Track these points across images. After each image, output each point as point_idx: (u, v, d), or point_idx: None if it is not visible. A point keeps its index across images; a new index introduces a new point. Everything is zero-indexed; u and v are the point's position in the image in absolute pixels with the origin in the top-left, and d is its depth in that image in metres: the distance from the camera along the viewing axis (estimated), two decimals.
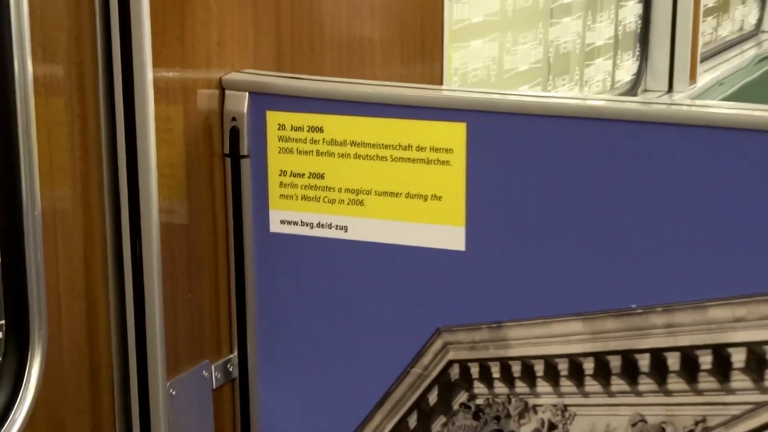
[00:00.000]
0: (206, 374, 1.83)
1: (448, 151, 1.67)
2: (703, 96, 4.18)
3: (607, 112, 1.63)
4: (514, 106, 1.65)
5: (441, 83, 2.41)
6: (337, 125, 1.73)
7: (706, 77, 4.31)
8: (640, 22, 4.05)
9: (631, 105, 1.65)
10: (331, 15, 2.03)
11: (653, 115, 1.60)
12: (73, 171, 1.61)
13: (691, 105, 1.70)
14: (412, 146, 1.69)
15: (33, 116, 1.49)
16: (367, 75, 2.12)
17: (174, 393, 1.75)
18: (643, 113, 1.61)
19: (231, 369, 1.88)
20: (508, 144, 1.65)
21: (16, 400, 1.53)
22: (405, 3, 2.26)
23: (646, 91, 4.10)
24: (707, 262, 1.57)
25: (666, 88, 4.07)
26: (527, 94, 1.66)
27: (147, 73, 1.62)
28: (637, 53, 4.08)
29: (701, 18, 4.09)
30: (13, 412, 1.53)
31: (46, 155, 1.54)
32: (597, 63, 3.89)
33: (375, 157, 1.71)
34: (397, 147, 1.70)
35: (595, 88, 3.89)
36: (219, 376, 1.86)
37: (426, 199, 1.70)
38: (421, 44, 2.32)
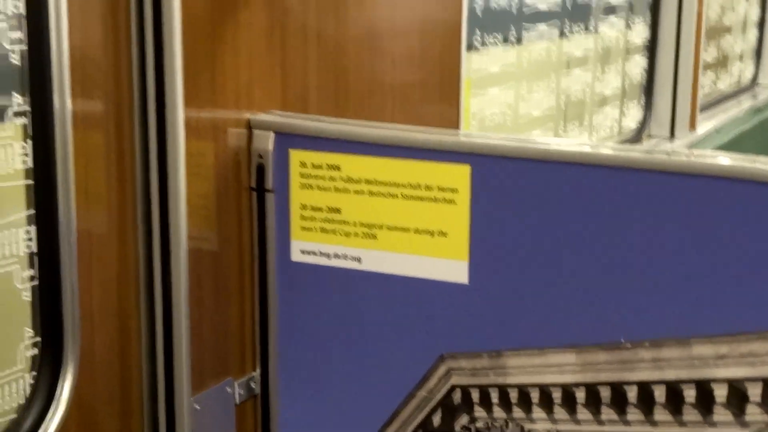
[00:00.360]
0: (230, 390, 1.78)
1: (453, 191, 1.62)
2: (702, 142, 4.12)
3: (601, 159, 1.57)
4: (514, 151, 1.60)
5: (458, 127, 2.35)
6: (353, 164, 1.69)
7: (705, 125, 4.25)
8: (645, 74, 4.00)
9: (624, 153, 1.58)
10: (355, 61, 1.98)
11: (648, 163, 1.54)
12: (109, 200, 1.57)
13: (689, 155, 1.63)
14: (420, 185, 1.64)
15: (71, 149, 1.46)
16: (387, 118, 2.07)
17: (199, 407, 1.70)
18: (637, 161, 1.55)
19: (253, 386, 1.83)
20: (509, 185, 1.60)
21: (48, 412, 1.50)
22: (426, 53, 2.21)
23: (650, 136, 4.04)
24: (693, 301, 1.52)
25: (668, 134, 4.01)
26: (528, 140, 1.60)
27: (179, 113, 1.58)
28: (642, 102, 4.02)
29: (701, 71, 4.03)
30: (45, 423, 1.50)
31: (83, 185, 1.50)
32: (606, 110, 3.83)
33: (387, 195, 1.67)
34: (407, 186, 1.65)
35: (603, 133, 3.83)
36: (242, 392, 1.81)
37: (433, 235, 1.65)
38: (440, 91, 2.27)
